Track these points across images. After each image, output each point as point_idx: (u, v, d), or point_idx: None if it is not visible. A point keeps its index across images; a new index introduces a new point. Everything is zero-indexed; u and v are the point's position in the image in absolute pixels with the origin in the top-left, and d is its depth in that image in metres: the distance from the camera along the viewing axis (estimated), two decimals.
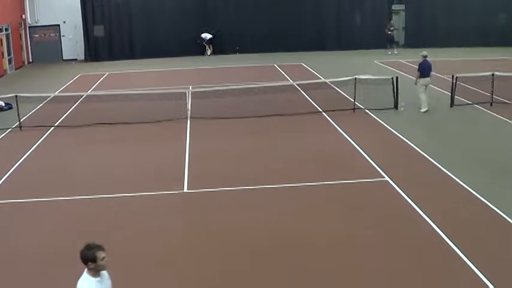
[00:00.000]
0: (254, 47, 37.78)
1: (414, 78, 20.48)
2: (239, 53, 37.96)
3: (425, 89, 20.11)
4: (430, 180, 13.55)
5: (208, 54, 38.05)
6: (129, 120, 19.65)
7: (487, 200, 12.04)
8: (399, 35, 38.66)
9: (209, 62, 34.97)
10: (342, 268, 9.61)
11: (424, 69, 20.15)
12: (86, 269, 6.13)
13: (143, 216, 11.99)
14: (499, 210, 11.53)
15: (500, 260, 9.66)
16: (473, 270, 9.26)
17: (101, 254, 6.07)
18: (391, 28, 36.44)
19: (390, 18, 37.89)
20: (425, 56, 20.18)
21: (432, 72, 20.38)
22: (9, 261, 10.24)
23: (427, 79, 20.08)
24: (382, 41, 36.35)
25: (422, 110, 20.11)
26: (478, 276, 9.08)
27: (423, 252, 10.01)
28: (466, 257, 9.65)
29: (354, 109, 20.48)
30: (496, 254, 9.88)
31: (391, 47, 36.03)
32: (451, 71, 22.25)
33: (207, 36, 37.81)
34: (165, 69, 33.05)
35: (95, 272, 6.11)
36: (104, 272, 6.22)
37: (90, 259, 6.04)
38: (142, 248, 10.55)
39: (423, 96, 20.13)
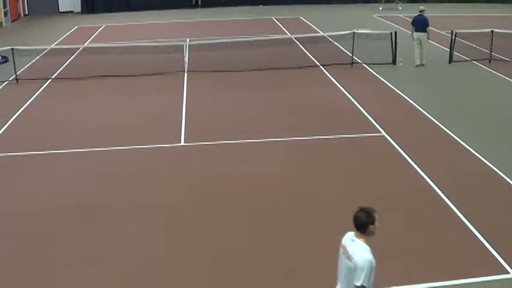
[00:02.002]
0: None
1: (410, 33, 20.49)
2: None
3: (420, 43, 20.01)
4: (426, 135, 13.59)
5: (195, 5, 37.62)
6: (126, 73, 19.56)
7: (480, 155, 12.16)
8: None
9: (207, 15, 34.62)
10: (336, 222, 9.71)
11: (415, 24, 20.16)
12: (354, 237, 5.85)
13: (140, 170, 12.04)
14: (492, 164, 11.67)
15: (490, 211, 9.79)
16: (463, 220, 9.41)
17: (377, 216, 5.85)
18: None
19: None
20: (421, 11, 20.11)
21: (431, 28, 20.16)
22: (4, 217, 10.30)
23: (419, 34, 19.93)
24: None
25: (415, 63, 20.17)
26: (467, 226, 9.25)
27: (415, 205, 10.10)
28: (458, 210, 9.77)
29: (352, 63, 20.41)
30: (486, 206, 10.01)
31: (388, 1, 35.61)
32: (450, 27, 22.08)
33: None
34: (162, 21, 32.74)
35: (370, 237, 5.83)
36: None
37: (371, 221, 5.78)
38: (139, 200, 10.63)
39: (416, 51, 20.14)
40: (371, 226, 5.79)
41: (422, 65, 20.07)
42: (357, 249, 5.79)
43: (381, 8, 35.05)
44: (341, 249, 6.01)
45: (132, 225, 9.73)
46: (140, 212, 10.21)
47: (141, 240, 9.27)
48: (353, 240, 5.88)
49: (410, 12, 30.00)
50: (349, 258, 5.82)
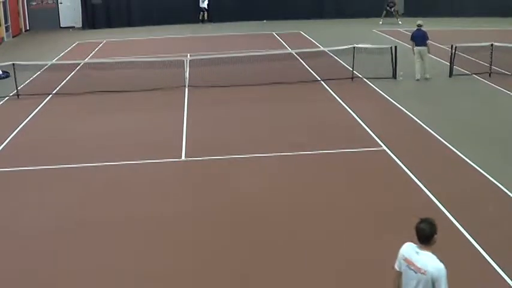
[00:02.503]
0: (253, 15, 37.42)
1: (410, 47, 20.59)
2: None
3: (420, 57, 20.10)
4: (427, 149, 13.59)
5: (202, 21, 37.56)
6: (126, 89, 19.58)
7: (482, 169, 12.11)
8: (399, 4, 38.25)
9: (208, 30, 34.73)
10: (336, 235, 9.69)
11: (415, 38, 20.31)
12: (417, 249, 5.82)
13: (140, 185, 12.03)
14: (495, 179, 11.60)
15: (492, 226, 9.75)
16: (467, 238, 9.36)
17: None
18: (391, 4, 35.99)
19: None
20: (419, 26, 20.26)
21: (430, 42, 20.24)
22: (5, 231, 10.29)
23: (420, 48, 20.07)
24: (381, 10, 35.99)
25: (415, 78, 20.22)
26: (469, 240, 9.22)
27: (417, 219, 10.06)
28: (461, 225, 9.73)
29: (352, 78, 20.43)
30: (488, 220, 9.97)
31: (387, 16, 35.65)
32: (450, 41, 22.13)
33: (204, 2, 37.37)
34: (163, 36, 32.83)
35: (432, 247, 5.82)
36: None
37: (435, 232, 5.78)
38: (139, 216, 10.61)
39: (417, 65, 20.23)
40: (435, 236, 5.79)
41: (425, 78, 20.11)
42: (427, 261, 5.75)
43: (380, 23, 35.10)
44: (404, 263, 5.95)
45: (133, 241, 9.70)
46: (141, 227, 10.18)
47: (140, 255, 9.25)
48: (417, 252, 5.84)
49: (410, 26, 30.04)
50: (419, 271, 5.76)
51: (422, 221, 5.83)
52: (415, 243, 5.91)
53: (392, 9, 35.82)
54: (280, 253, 9.19)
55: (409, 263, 5.87)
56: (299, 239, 9.58)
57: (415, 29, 20.40)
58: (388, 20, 35.33)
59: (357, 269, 8.67)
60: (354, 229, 9.88)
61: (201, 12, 37.69)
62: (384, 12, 35.73)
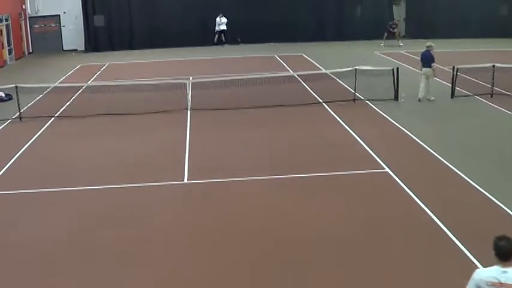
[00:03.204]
0: (255, 37, 37.61)
1: (416, 69, 20.74)
2: (242, 43, 37.73)
3: (426, 78, 20.21)
4: (430, 171, 13.55)
5: (218, 43, 37.80)
6: (129, 111, 19.63)
7: (486, 191, 12.06)
8: (400, 26, 38.49)
9: (210, 53, 34.87)
10: (339, 258, 9.64)
11: (422, 59, 20.55)
12: (502, 268, 5.86)
13: (143, 207, 11.99)
14: (498, 200, 11.56)
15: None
16: (471, 259, 9.30)
17: None
18: (393, 26, 36.23)
19: (393, 18, 37.74)
20: (428, 47, 20.40)
21: (435, 64, 20.28)
22: (11, 253, 10.25)
23: (425, 69, 20.23)
24: (383, 32, 36.17)
25: (418, 97, 20.31)
26: (471, 259, 9.16)
27: (421, 243, 10.03)
28: (464, 246, 9.68)
29: (354, 100, 20.47)
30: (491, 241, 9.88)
31: (388, 38, 35.84)
32: (451, 62, 22.20)
33: (221, 23, 37.58)
34: (165, 59, 32.98)
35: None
36: None
37: None
38: (141, 238, 10.58)
39: (421, 85, 20.37)
40: None
41: (428, 99, 20.18)
42: None
43: (382, 45, 35.27)
44: (489, 287, 5.91)
45: (132, 264, 9.65)
46: (141, 249, 10.14)
47: (138, 277, 9.21)
48: (505, 271, 5.84)
49: (411, 48, 30.26)
50: None
51: (501, 238, 5.85)
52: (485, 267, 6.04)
53: (395, 30, 36.02)
54: (282, 275, 9.16)
55: (498, 285, 5.85)
56: (301, 262, 9.52)
57: (424, 50, 20.58)
58: (390, 42, 35.51)
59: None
60: (355, 250, 9.83)
61: (217, 35, 37.87)
62: (386, 34, 35.93)
